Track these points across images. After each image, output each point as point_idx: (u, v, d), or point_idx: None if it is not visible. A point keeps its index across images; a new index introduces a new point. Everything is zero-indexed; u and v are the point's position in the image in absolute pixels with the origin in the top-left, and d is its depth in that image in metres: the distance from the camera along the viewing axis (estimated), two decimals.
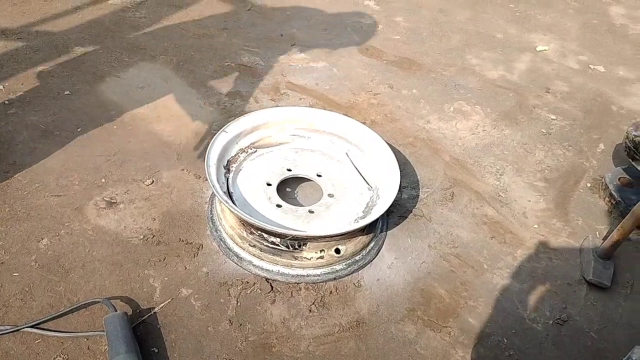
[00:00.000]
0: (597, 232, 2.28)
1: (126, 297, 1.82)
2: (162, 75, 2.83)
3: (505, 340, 1.84)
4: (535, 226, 2.28)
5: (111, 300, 1.79)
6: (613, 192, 2.37)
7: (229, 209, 1.84)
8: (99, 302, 1.75)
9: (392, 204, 1.98)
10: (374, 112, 2.79)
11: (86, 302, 1.75)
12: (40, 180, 2.16)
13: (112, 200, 2.13)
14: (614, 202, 2.37)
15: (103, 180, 2.20)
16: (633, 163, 2.32)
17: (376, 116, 2.75)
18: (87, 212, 2.07)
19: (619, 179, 2.40)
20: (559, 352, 1.83)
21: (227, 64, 2.99)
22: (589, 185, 2.51)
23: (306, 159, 2.28)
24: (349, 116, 2.61)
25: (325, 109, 2.71)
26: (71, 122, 2.46)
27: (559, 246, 2.20)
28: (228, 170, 2.12)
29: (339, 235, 1.85)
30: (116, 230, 2.02)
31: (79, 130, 2.42)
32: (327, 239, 1.87)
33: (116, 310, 1.70)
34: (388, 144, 2.23)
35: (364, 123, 2.61)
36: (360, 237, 1.98)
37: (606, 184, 2.43)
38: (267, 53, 3.13)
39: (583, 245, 2.18)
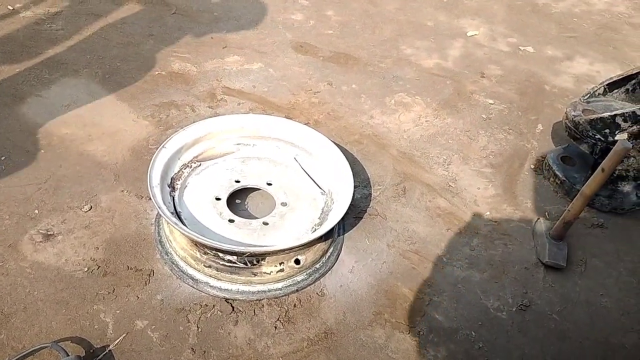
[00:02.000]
0: (546, 213, 2.33)
1: (77, 337, 1.68)
2: (88, 91, 2.64)
3: (474, 334, 1.84)
4: (488, 213, 2.29)
5: (61, 343, 1.65)
6: (557, 172, 2.42)
7: (180, 232, 1.73)
8: (47, 347, 1.61)
9: None
10: (316, 111, 2.72)
11: (33, 348, 1.60)
12: None
13: (49, 232, 1.97)
14: (558, 182, 2.42)
15: (36, 211, 2.03)
16: (575, 142, 2.38)
17: (319, 115, 2.69)
18: (23, 248, 1.90)
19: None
20: (525, 338, 1.85)
21: (157, 72, 2.84)
22: (532, 166, 2.56)
23: (254, 168, 2.19)
24: (291, 119, 2.55)
25: (266, 113, 2.63)
26: None
27: (513, 231, 2.23)
28: (173, 189, 2.00)
29: (299, 247, 1.79)
30: (57, 264, 1.87)
31: (2, 158, 2.22)
32: (286, 251, 1.79)
33: (68, 355, 1.56)
34: (335, 143, 2.18)
35: (307, 124, 2.56)
36: (319, 244, 1.92)
37: (549, 164, 2.48)
38: (198, 58, 3.00)
39: (535, 228, 2.21)
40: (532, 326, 1.90)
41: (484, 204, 2.34)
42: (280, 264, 1.83)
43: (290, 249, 1.77)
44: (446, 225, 2.21)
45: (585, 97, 2.50)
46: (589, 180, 1.95)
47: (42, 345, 1.61)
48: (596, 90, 2.52)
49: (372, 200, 2.27)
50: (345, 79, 3.01)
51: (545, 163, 2.52)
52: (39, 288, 1.79)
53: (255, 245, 1.87)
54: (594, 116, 2.27)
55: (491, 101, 2.97)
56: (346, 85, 2.95)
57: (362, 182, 2.34)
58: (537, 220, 2.24)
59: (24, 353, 1.59)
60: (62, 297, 1.78)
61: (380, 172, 2.41)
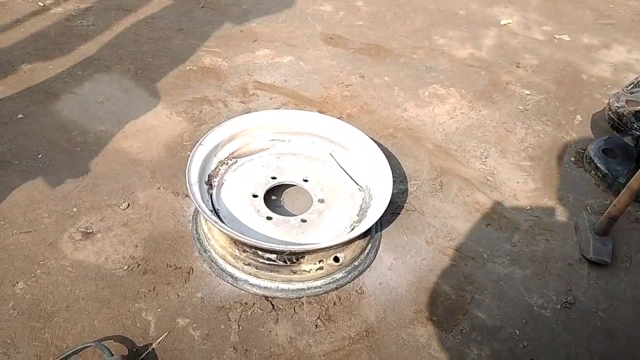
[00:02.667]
0: (588, 207, 2.26)
1: (119, 336, 1.69)
2: (121, 87, 2.65)
3: (517, 332, 1.81)
4: (528, 208, 2.24)
5: (104, 342, 1.66)
6: (598, 165, 2.36)
7: (221, 230, 1.72)
8: (91, 346, 1.61)
9: None
10: (348, 105, 2.69)
11: (77, 348, 1.60)
12: (4, 216, 1.98)
13: (88, 230, 1.97)
14: (600, 175, 2.36)
15: (74, 209, 2.04)
16: (618, 134, 2.30)
17: (352, 109, 2.66)
18: (63, 247, 1.91)
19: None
20: (571, 336, 1.81)
21: (188, 67, 2.83)
22: (572, 159, 2.50)
23: (289, 164, 2.17)
24: (324, 113, 2.52)
25: (299, 108, 2.60)
26: (29, 148, 2.27)
27: (554, 226, 2.17)
28: (210, 186, 1.99)
29: (338, 245, 1.76)
30: (97, 263, 1.87)
31: (39, 156, 2.23)
32: (326, 249, 1.77)
33: (112, 354, 1.57)
34: (372, 138, 2.15)
35: (340, 118, 2.53)
36: (358, 241, 1.89)
37: (590, 156, 2.41)
38: (228, 52, 2.98)
39: (578, 223, 2.16)
40: (578, 324, 1.85)
41: (524, 198, 2.28)
42: (319, 261, 1.81)
43: (330, 247, 1.74)
44: (485, 221, 2.16)
45: (629, 88, 2.42)
46: (636, 174, 1.88)
47: (86, 345, 1.61)
48: None
49: (409, 195, 2.24)
50: (377, 71, 2.96)
51: (586, 155, 2.45)
52: (80, 287, 1.80)
53: (293, 243, 1.85)
54: (639, 108, 2.20)
55: (527, 92, 2.90)
56: (378, 78, 2.90)
57: (398, 177, 2.30)
58: (580, 215, 2.18)
59: (69, 353, 1.60)
60: (103, 296, 1.78)
61: (416, 166, 2.37)
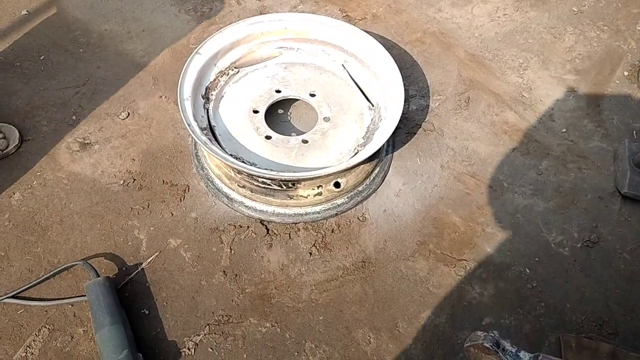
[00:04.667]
0: (634, 132, 2.00)
1: (110, 254, 1.68)
2: None
3: (528, 271, 1.67)
4: (564, 130, 2.00)
5: (95, 259, 1.66)
6: None
7: (209, 152, 1.61)
8: (78, 264, 1.61)
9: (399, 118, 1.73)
10: (375, 3, 2.40)
11: (65, 265, 1.61)
12: (4, 123, 1.94)
13: (86, 141, 1.92)
14: None
15: (74, 117, 1.98)
16: None
17: (378, 8, 2.38)
18: (60, 158, 1.87)
19: None
20: (588, 279, 1.66)
21: None
22: (626, 73, 2.18)
23: (297, 75, 1.98)
24: (347, 13, 2.27)
25: (318, 7, 2.35)
26: (32, 48, 2.17)
27: (591, 152, 1.94)
28: (207, 100, 1.85)
29: (335, 173, 1.63)
30: (93, 176, 1.83)
31: (41, 58, 2.14)
32: (322, 177, 1.64)
33: (98, 275, 1.56)
34: (394, 44, 1.91)
35: (363, 19, 2.28)
36: (362, 165, 1.75)
37: None
38: None
39: (618, 151, 1.91)
40: (598, 265, 1.69)
41: (561, 118, 2.03)
42: (318, 187, 1.70)
43: (327, 176, 1.61)
44: (512, 144, 1.95)
45: None
46: None
47: (74, 263, 1.61)
48: None
49: (430, 112, 2.03)
50: None
51: None
52: (75, 201, 1.78)
53: (292, 167, 1.73)
54: None
55: None
56: None
57: (420, 90, 2.09)
58: (621, 142, 1.92)
59: (57, 270, 1.60)
60: (97, 211, 1.76)
61: (442, 78, 2.13)
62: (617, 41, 2.28)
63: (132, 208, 1.76)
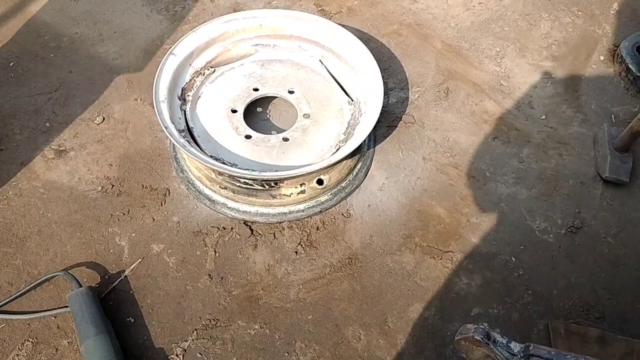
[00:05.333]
0: (612, 116, 2.01)
1: (91, 263, 1.64)
2: None
3: (514, 259, 1.68)
4: (543, 117, 2.01)
5: (76, 269, 1.62)
6: (630, 66, 2.06)
7: (188, 155, 1.59)
8: (59, 275, 1.57)
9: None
10: None
11: (46, 277, 1.57)
12: None
13: (61, 148, 1.87)
14: (631, 78, 2.07)
15: (47, 124, 1.93)
16: None
17: (353, 1, 2.35)
18: (35, 167, 1.83)
19: None
20: (573, 265, 1.67)
21: None
22: (602, 58, 2.19)
23: (275, 72, 1.95)
24: (322, 7, 2.25)
25: (291, 7, 2.32)
26: (1, 55, 2.11)
27: (571, 138, 1.95)
28: (184, 101, 1.82)
29: (318, 171, 1.61)
30: (70, 184, 1.79)
31: (11, 65, 2.08)
32: (304, 176, 1.62)
33: (80, 285, 1.52)
34: (371, 37, 1.90)
35: (339, 13, 2.26)
36: (345, 161, 1.73)
37: (622, 55, 2.11)
38: None
39: (597, 136, 1.92)
40: (583, 251, 1.70)
41: (540, 105, 2.04)
42: (301, 185, 1.68)
43: (309, 174, 1.59)
44: (493, 133, 1.95)
45: None
46: None
47: (55, 274, 1.57)
48: None
49: (409, 104, 2.02)
50: None
51: (618, 54, 2.14)
52: (53, 210, 1.73)
53: (273, 166, 1.71)
54: None
55: None
56: None
57: (398, 83, 2.08)
58: (600, 127, 1.93)
59: (38, 281, 1.56)
60: (76, 219, 1.72)
61: (420, 69, 2.12)
62: (592, 26, 2.29)
63: (112, 215, 1.73)
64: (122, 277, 1.61)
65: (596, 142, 1.92)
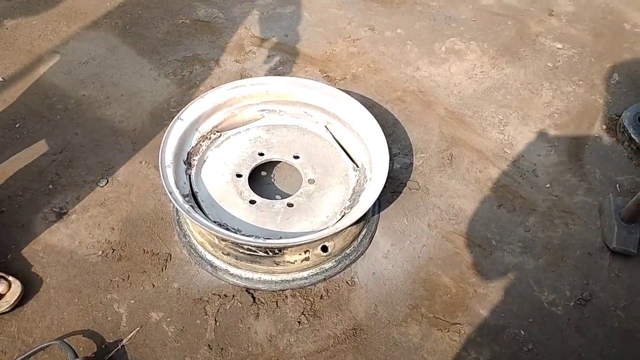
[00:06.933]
0: (617, 185, 2.01)
1: (88, 331, 1.59)
2: (108, 45, 2.45)
3: (523, 333, 1.63)
4: (548, 185, 2.00)
5: (72, 337, 1.56)
6: (633, 136, 2.08)
7: (192, 221, 1.57)
8: (55, 344, 1.52)
9: None
10: (354, 63, 2.43)
11: (41, 346, 1.51)
12: None
13: (63, 211, 1.85)
14: (634, 147, 2.08)
15: (50, 186, 1.91)
16: None
17: (357, 68, 2.40)
18: (36, 229, 1.80)
19: None
20: (583, 339, 1.62)
21: (180, 21, 2.60)
22: (604, 127, 2.21)
23: (280, 137, 1.96)
24: (326, 73, 2.29)
25: (299, 68, 2.37)
26: (7, 116, 2.12)
27: (576, 207, 1.94)
28: (189, 165, 1.82)
29: (324, 238, 1.59)
30: (70, 247, 1.76)
31: (17, 126, 2.09)
32: (309, 244, 1.60)
33: (76, 355, 1.47)
34: (369, 106, 1.91)
35: (343, 79, 2.30)
36: (350, 228, 1.71)
37: (624, 125, 2.13)
38: (226, 3, 2.72)
39: (603, 206, 1.91)
40: (592, 324, 1.66)
41: (545, 174, 2.04)
42: (305, 252, 1.65)
43: (313, 242, 1.57)
44: (498, 201, 1.95)
45: None
46: None
47: (50, 343, 1.51)
48: None
49: (414, 170, 2.02)
50: (389, 22, 2.66)
51: (620, 123, 2.16)
52: (52, 274, 1.70)
53: (277, 232, 1.69)
54: None
55: (559, 45, 2.57)
56: (390, 30, 2.61)
57: (402, 149, 2.08)
58: (606, 197, 1.93)
59: (33, 350, 1.50)
60: (75, 285, 1.68)
61: (424, 136, 2.14)
62: (593, 95, 2.33)
63: (111, 280, 1.69)
64: (119, 346, 1.56)
65: (602, 212, 1.91)
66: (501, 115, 2.24)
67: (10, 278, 1.62)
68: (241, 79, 2.02)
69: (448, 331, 1.63)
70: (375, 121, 1.84)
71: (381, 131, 1.81)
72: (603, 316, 1.67)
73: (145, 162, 2.00)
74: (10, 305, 1.58)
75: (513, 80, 2.39)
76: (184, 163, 1.80)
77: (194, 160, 1.84)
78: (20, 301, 1.61)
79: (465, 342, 1.61)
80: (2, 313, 1.58)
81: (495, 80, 2.39)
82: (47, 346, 1.52)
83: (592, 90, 2.35)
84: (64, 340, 1.51)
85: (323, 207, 1.77)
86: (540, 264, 1.79)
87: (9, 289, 1.60)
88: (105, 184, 1.93)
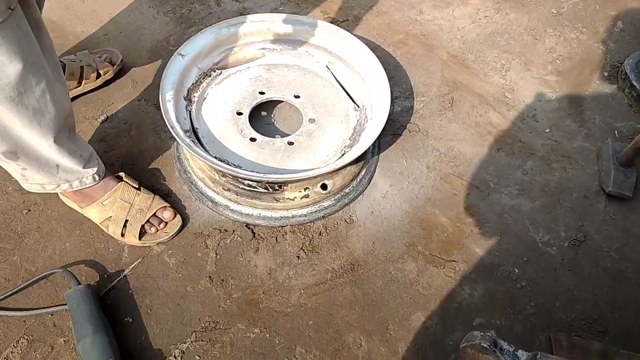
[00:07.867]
0: (615, 132, 2.02)
1: (91, 261, 1.62)
2: None
3: (517, 271, 1.67)
4: (547, 130, 2.01)
5: (75, 266, 1.59)
6: (634, 82, 2.07)
7: (195, 156, 1.57)
8: (58, 272, 1.55)
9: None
10: (356, 4, 2.39)
11: (44, 274, 1.54)
12: None
13: None
14: (634, 94, 2.08)
15: None
16: None
17: (359, 10, 2.37)
18: None
19: None
20: (576, 278, 1.66)
21: None
22: (606, 74, 2.20)
23: (281, 77, 1.95)
24: (328, 14, 2.26)
25: (299, 7, 2.33)
26: None
27: (574, 152, 1.95)
28: (190, 102, 1.81)
29: (324, 175, 1.60)
30: None
31: None
32: (309, 179, 1.61)
33: (79, 283, 1.50)
34: (374, 48, 1.90)
35: (345, 21, 2.27)
36: (349, 167, 1.73)
37: (626, 71, 2.12)
38: None
39: (601, 150, 1.93)
40: (585, 264, 1.69)
41: (545, 119, 2.04)
42: (305, 189, 1.67)
43: (314, 177, 1.58)
44: (497, 145, 1.95)
45: None
46: None
47: (53, 271, 1.55)
48: None
49: (414, 114, 2.02)
50: None
51: (622, 70, 2.16)
52: (53, 206, 1.71)
53: (277, 169, 1.70)
54: None
55: None
56: None
57: (403, 92, 2.08)
58: (604, 142, 1.94)
59: (36, 278, 1.54)
60: (76, 217, 1.69)
61: (426, 79, 2.13)
62: (596, 42, 2.31)
63: None
64: (122, 276, 1.59)
65: (600, 156, 1.92)
66: (503, 60, 2.22)
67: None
68: None
69: (443, 268, 1.66)
70: (378, 61, 1.83)
71: (384, 71, 1.80)
72: (596, 257, 1.71)
73: (145, 100, 1.99)
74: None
75: (517, 25, 2.36)
76: (184, 99, 1.79)
77: (194, 96, 1.83)
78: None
79: (460, 278, 1.64)
80: None
81: (499, 26, 2.36)
82: (50, 274, 1.56)
83: (595, 37, 2.33)
84: (67, 269, 1.54)
85: (323, 146, 1.77)
86: (537, 206, 1.81)
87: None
88: (105, 120, 1.92)
